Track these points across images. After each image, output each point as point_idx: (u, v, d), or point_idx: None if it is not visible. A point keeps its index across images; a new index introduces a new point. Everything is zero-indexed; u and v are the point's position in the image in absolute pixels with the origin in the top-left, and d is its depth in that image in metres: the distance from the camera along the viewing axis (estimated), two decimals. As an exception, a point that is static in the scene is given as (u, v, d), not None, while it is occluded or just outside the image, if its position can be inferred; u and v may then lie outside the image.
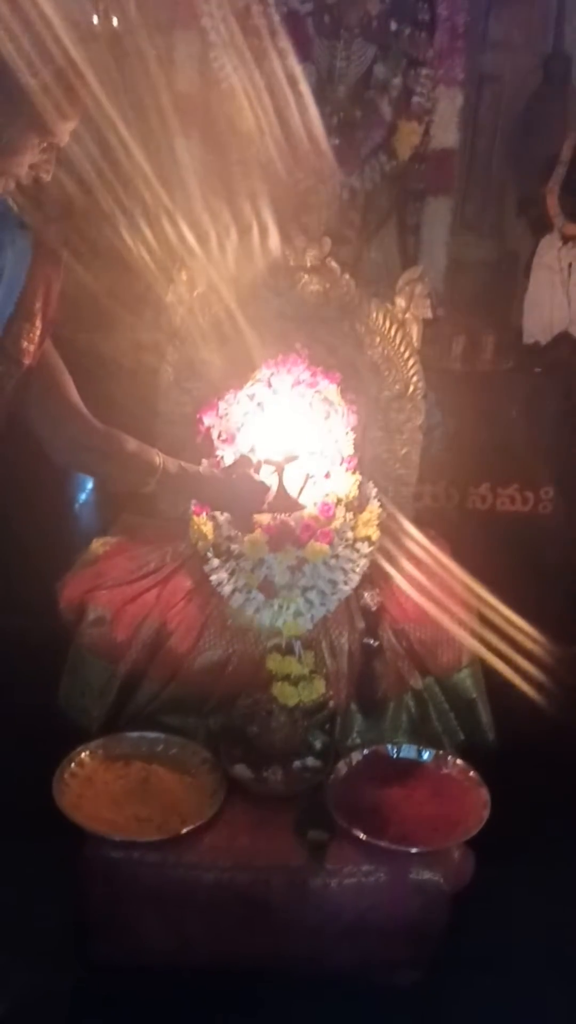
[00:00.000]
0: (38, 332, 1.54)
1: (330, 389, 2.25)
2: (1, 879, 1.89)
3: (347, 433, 2.28)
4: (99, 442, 1.76)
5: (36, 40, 1.46)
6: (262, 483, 1.99)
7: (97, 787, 1.86)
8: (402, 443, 2.41)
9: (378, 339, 2.35)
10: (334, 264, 2.32)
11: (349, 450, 2.25)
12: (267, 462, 2.02)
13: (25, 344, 1.53)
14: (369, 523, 2.22)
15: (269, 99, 2.60)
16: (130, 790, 1.85)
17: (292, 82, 2.57)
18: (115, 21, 2.67)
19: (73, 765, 1.90)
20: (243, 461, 2.00)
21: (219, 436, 2.21)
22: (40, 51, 1.46)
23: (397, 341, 2.35)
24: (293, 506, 2.07)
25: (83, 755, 1.93)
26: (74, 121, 1.57)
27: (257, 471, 2.00)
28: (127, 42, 2.65)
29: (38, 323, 1.54)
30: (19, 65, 1.45)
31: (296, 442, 2.09)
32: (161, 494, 2.06)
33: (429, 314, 2.44)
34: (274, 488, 2.02)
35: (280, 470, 2.02)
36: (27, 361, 1.54)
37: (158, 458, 1.83)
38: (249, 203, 2.64)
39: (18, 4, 1.44)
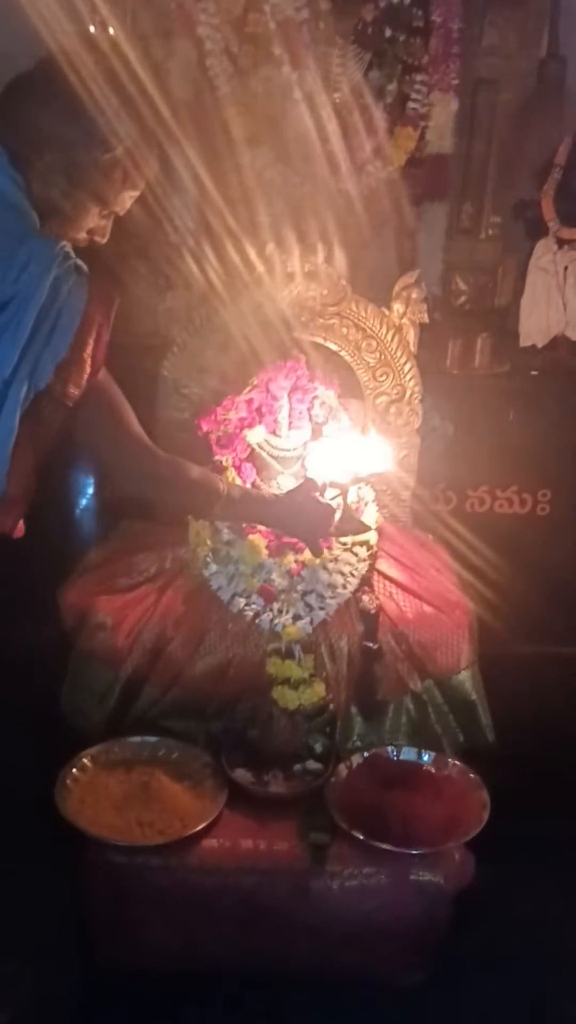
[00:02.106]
0: (85, 376, 1.56)
1: (328, 394, 2.27)
2: (5, 885, 1.90)
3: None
4: (163, 470, 1.78)
5: (109, 119, 1.49)
6: (328, 505, 1.96)
7: (99, 792, 1.87)
8: (400, 446, 2.42)
9: (375, 343, 2.36)
10: (331, 269, 2.33)
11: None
12: (332, 484, 1.99)
13: (72, 388, 1.54)
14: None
15: (265, 106, 2.61)
16: (132, 795, 1.86)
17: (287, 89, 2.58)
18: (111, 30, 2.68)
19: (75, 770, 1.91)
20: (309, 484, 1.97)
21: (217, 441, 2.23)
22: (112, 130, 1.49)
23: (394, 345, 2.36)
24: (359, 528, 2.05)
25: (85, 760, 1.94)
26: (137, 192, 1.61)
27: (322, 493, 1.97)
28: (124, 50, 2.66)
29: (87, 368, 1.55)
30: (91, 142, 1.48)
31: (358, 464, 2.04)
32: (227, 519, 2.06)
33: (425, 318, 2.45)
34: (340, 510, 1.98)
35: (344, 492, 2.00)
36: (70, 404, 1.56)
37: (222, 484, 1.86)
38: (245, 208, 2.67)
39: (97, 81, 1.47)
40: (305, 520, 1.95)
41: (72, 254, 1.50)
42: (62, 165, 1.49)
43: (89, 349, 1.54)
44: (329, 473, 2.01)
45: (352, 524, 2.02)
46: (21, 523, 1.67)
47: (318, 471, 2.03)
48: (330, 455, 2.08)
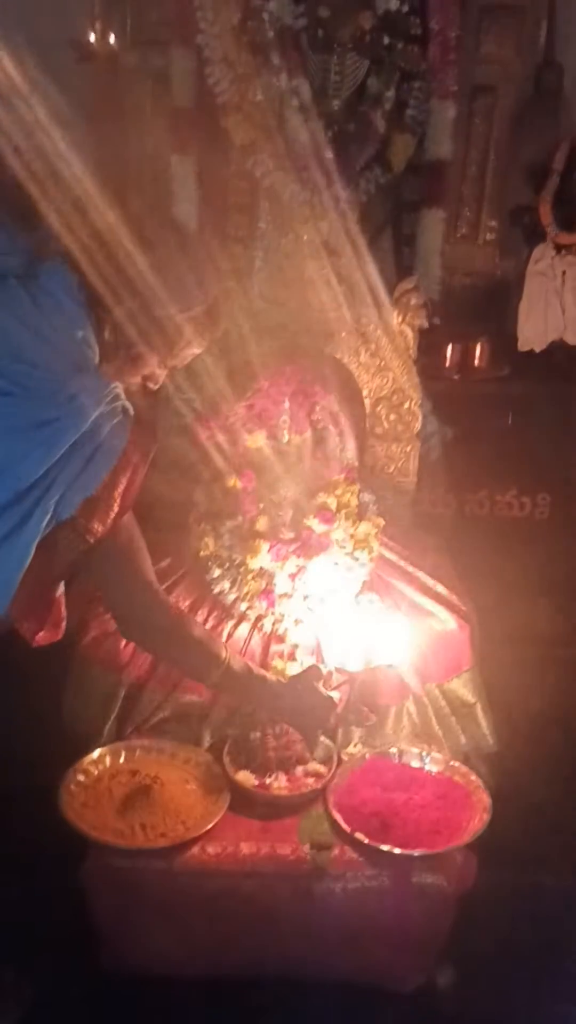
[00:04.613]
0: (112, 516, 1.56)
1: (328, 399, 2.28)
2: (8, 890, 1.90)
3: (347, 443, 2.32)
4: (168, 622, 1.77)
5: (189, 282, 1.54)
6: (329, 698, 1.88)
7: (102, 796, 1.87)
8: (400, 451, 2.44)
9: (374, 348, 2.37)
10: (331, 275, 2.35)
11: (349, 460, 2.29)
12: (339, 671, 1.91)
13: (96, 525, 1.55)
14: (368, 532, 2.24)
15: (264, 113, 2.63)
16: (134, 798, 1.86)
17: (286, 97, 2.60)
18: (112, 39, 2.71)
19: (77, 775, 1.91)
20: (312, 672, 1.88)
21: (218, 446, 2.24)
22: (186, 294, 1.54)
23: (393, 351, 2.37)
24: (364, 719, 1.96)
25: (87, 764, 1.94)
26: (199, 351, 1.64)
27: (327, 683, 1.90)
28: (124, 59, 2.69)
29: (115, 507, 1.56)
30: (169, 301, 1.52)
31: (373, 651, 1.98)
32: (224, 691, 1.97)
33: (425, 323, 2.46)
34: (346, 699, 1.92)
35: (353, 681, 1.92)
36: (92, 541, 1.55)
37: (224, 652, 1.81)
38: (244, 215, 2.68)
39: (170, 248, 1.52)
40: (304, 711, 1.87)
41: (122, 395, 1.53)
42: (136, 316, 1.53)
43: (120, 489, 1.55)
44: (340, 658, 1.95)
45: (356, 716, 1.94)
46: (60, 628, 1.70)
47: (328, 655, 1.98)
48: (345, 639, 2.01)
